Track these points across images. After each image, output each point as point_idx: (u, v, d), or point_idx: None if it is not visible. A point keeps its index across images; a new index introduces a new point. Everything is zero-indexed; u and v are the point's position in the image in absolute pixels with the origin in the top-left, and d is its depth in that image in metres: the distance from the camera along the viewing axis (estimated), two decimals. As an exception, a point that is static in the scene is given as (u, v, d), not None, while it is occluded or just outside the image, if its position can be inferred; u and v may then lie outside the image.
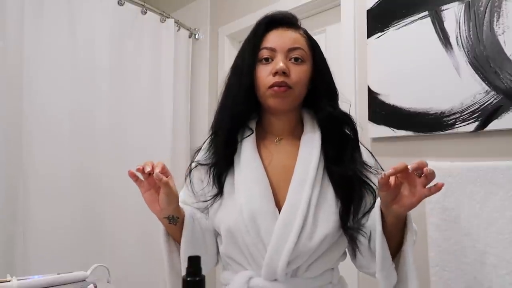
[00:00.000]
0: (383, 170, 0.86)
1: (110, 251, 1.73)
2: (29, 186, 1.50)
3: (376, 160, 0.90)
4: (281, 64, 0.81)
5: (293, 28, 0.88)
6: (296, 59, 0.83)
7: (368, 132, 1.44)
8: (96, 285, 0.97)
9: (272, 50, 0.84)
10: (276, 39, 0.85)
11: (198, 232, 0.86)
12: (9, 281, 0.91)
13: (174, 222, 0.82)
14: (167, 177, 0.76)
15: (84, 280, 1.01)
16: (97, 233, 1.70)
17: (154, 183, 0.77)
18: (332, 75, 0.90)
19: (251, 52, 0.85)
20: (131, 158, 1.86)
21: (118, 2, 1.86)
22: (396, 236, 0.77)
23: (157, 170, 0.74)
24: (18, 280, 0.91)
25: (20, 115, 1.51)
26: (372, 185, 0.84)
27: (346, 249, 0.89)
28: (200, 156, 0.91)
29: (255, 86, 0.84)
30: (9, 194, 1.49)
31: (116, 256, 1.73)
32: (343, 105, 0.91)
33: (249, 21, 1.99)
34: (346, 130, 0.88)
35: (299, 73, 0.83)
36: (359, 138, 0.91)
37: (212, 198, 0.86)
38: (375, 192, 0.83)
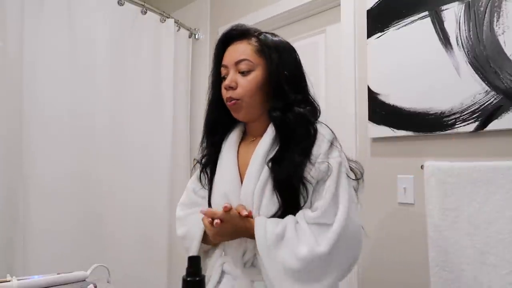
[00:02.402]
0: (326, 157, 0.87)
1: (110, 251, 1.73)
2: (29, 187, 1.50)
3: (331, 145, 0.89)
4: (227, 81, 0.92)
5: (244, 39, 0.95)
6: (242, 72, 0.92)
7: (368, 132, 1.44)
8: (96, 285, 0.97)
9: (226, 67, 0.94)
10: (227, 56, 0.95)
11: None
12: (9, 281, 0.91)
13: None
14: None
15: (84, 280, 1.01)
16: (97, 233, 1.70)
17: None
18: (291, 74, 0.92)
19: (214, 71, 0.99)
20: (131, 158, 1.86)
21: (118, 2, 1.86)
22: None
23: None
24: (18, 280, 0.91)
25: (20, 116, 1.51)
26: (309, 180, 0.86)
27: None
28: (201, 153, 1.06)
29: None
30: (9, 195, 1.49)
31: (116, 256, 1.73)
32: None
33: (249, 21, 1.99)
34: (297, 129, 0.89)
35: (245, 84, 0.91)
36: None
37: (206, 188, 1.02)
38: (311, 186, 0.87)
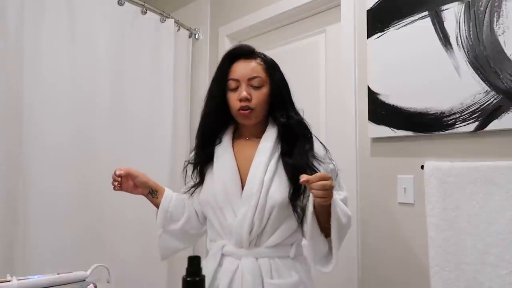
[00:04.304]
0: (330, 160, 1.12)
1: (110, 251, 1.73)
2: (29, 186, 1.50)
3: (327, 151, 1.12)
4: (244, 93, 1.06)
5: (252, 58, 1.11)
6: (255, 86, 1.08)
7: (368, 132, 1.44)
8: (96, 285, 0.97)
9: (237, 80, 1.08)
10: (239, 71, 1.09)
11: (176, 201, 1.19)
12: (9, 281, 0.91)
13: (156, 196, 1.19)
14: (124, 175, 1.13)
15: (84, 280, 1.01)
16: (97, 233, 1.70)
17: (123, 181, 1.13)
18: (288, 89, 1.12)
19: (220, 82, 1.11)
20: (131, 158, 1.86)
21: (118, 2, 1.86)
22: (324, 215, 0.97)
23: (117, 173, 1.12)
24: (18, 280, 0.91)
25: (20, 116, 1.50)
26: (316, 171, 1.03)
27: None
28: (191, 156, 1.20)
29: (228, 107, 1.11)
30: (9, 194, 1.49)
31: (116, 256, 1.73)
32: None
33: (249, 21, 1.99)
34: (300, 131, 1.08)
35: (258, 96, 1.08)
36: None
37: (195, 185, 1.15)
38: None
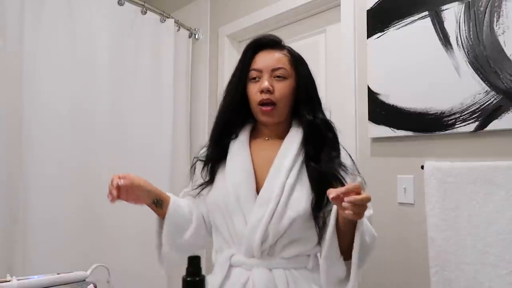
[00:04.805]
0: (358, 172, 1.01)
1: (110, 251, 1.73)
2: (29, 186, 1.50)
3: (353, 161, 1.02)
4: (266, 83, 0.96)
5: (277, 48, 1.02)
6: (279, 77, 0.98)
7: (368, 132, 1.44)
8: (96, 285, 0.97)
9: (259, 71, 0.99)
10: (262, 61, 0.99)
11: (183, 209, 1.03)
12: (9, 281, 0.91)
13: (160, 206, 1.00)
14: (123, 187, 0.92)
15: (84, 280, 1.01)
16: (97, 233, 1.70)
17: (123, 191, 0.93)
18: (315, 86, 1.04)
19: (241, 73, 1.01)
20: (131, 158, 1.86)
21: (118, 2, 1.86)
22: (347, 235, 0.85)
23: (114, 182, 0.92)
24: (18, 280, 0.91)
25: (20, 115, 1.51)
26: (344, 182, 0.92)
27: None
28: (201, 153, 1.09)
29: (247, 100, 1.01)
30: (9, 194, 1.49)
31: (116, 256, 1.72)
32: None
33: (249, 21, 1.99)
34: (327, 133, 0.98)
35: (281, 88, 0.97)
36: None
37: (204, 184, 1.03)
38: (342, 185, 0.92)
